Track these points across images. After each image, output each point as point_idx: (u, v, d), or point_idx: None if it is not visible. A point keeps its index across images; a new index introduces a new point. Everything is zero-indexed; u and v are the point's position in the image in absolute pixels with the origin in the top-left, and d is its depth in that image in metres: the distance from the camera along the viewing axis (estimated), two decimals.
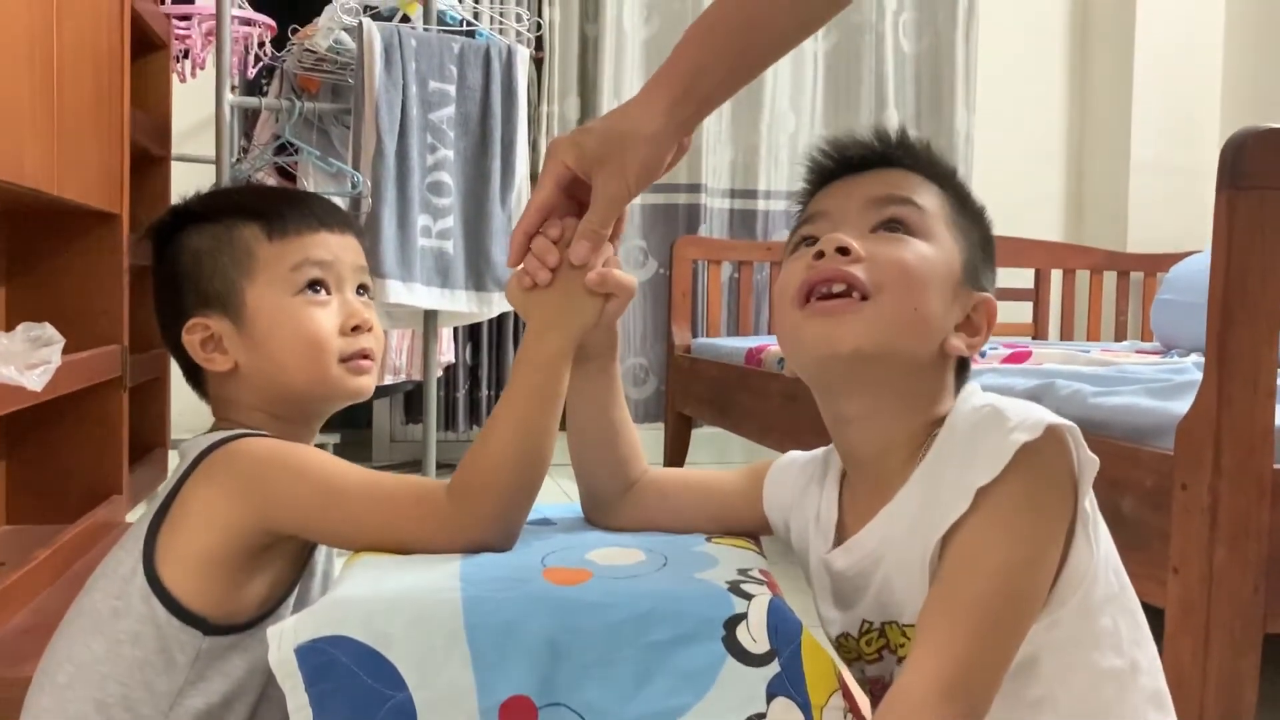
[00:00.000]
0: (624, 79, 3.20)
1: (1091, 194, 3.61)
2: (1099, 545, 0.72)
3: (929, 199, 0.79)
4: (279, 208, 0.91)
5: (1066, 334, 3.27)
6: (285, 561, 0.87)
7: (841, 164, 0.82)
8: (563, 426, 0.86)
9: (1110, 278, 3.29)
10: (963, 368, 0.81)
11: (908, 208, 0.77)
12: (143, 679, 0.81)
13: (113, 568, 0.85)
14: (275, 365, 0.89)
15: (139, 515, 0.89)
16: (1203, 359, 1.02)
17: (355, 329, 0.91)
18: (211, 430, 0.90)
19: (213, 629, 0.83)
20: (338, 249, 0.92)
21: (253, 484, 0.82)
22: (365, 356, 0.92)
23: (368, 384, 0.92)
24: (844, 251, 0.74)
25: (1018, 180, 3.42)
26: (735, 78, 0.82)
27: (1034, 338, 3.16)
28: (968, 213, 0.81)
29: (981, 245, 0.81)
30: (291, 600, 0.89)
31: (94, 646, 0.82)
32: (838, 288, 0.74)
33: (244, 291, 0.89)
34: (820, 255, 0.75)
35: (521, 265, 0.83)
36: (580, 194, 0.83)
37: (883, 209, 0.77)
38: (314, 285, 0.90)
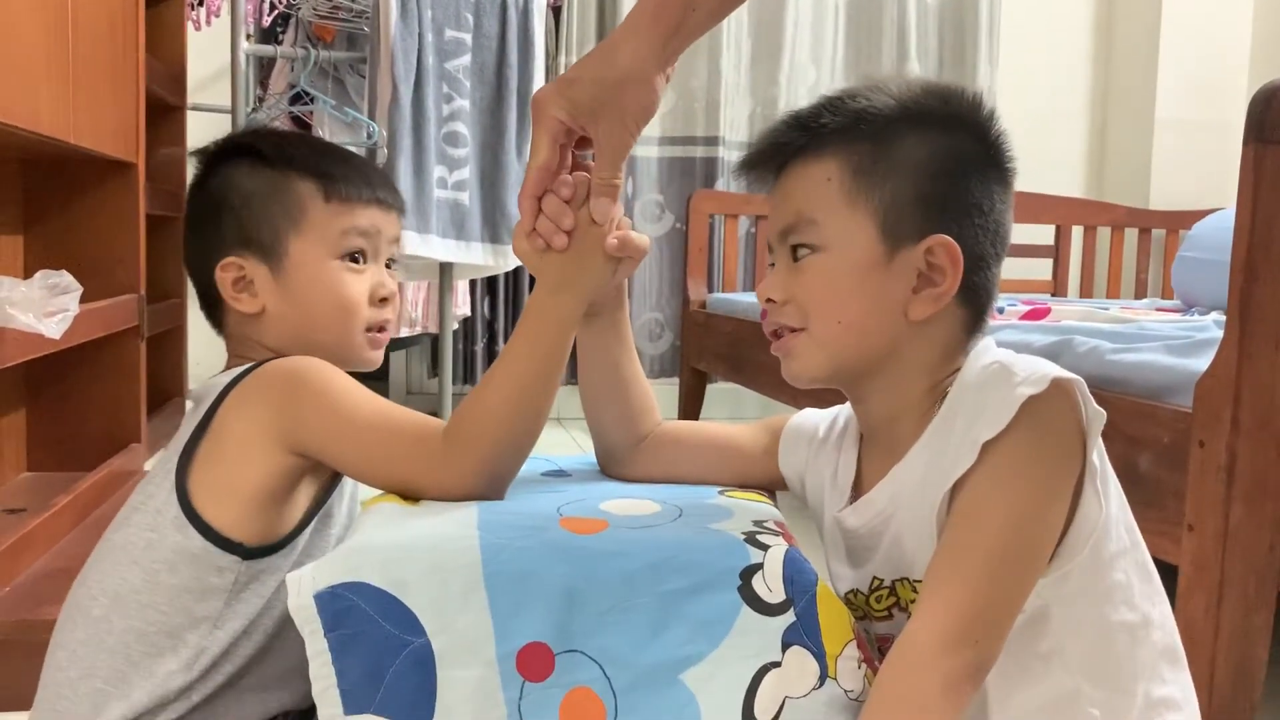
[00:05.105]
0: None
1: (1114, 150, 3.56)
2: (1109, 499, 0.72)
3: (820, 190, 0.77)
4: (340, 170, 0.93)
5: (1086, 291, 3.24)
6: (322, 481, 0.89)
7: (755, 171, 0.84)
8: (575, 379, 0.86)
9: (1131, 234, 3.26)
10: (977, 317, 0.79)
11: (802, 230, 0.78)
12: (182, 606, 0.82)
13: (141, 502, 0.86)
14: (304, 318, 0.92)
15: (158, 457, 0.90)
16: (1223, 317, 1.01)
17: (383, 300, 0.94)
18: (226, 369, 0.91)
19: (250, 553, 0.84)
20: (381, 221, 0.94)
21: (285, 398, 0.83)
22: (383, 329, 0.95)
23: (378, 358, 0.96)
24: (772, 299, 0.80)
25: (1040, 135, 3.37)
26: (726, 7, 0.80)
27: (1053, 294, 3.13)
28: (880, 159, 0.76)
29: (915, 178, 0.75)
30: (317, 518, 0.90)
31: (130, 578, 0.83)
32: (783, 332, 0.80)
33: (289, 243, 0.91)
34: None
35: (531, 223, 0.81)
36: (573, 146, 0.81)
37: (786, 239, 0.80)
38: (355, 255, 0.93)
